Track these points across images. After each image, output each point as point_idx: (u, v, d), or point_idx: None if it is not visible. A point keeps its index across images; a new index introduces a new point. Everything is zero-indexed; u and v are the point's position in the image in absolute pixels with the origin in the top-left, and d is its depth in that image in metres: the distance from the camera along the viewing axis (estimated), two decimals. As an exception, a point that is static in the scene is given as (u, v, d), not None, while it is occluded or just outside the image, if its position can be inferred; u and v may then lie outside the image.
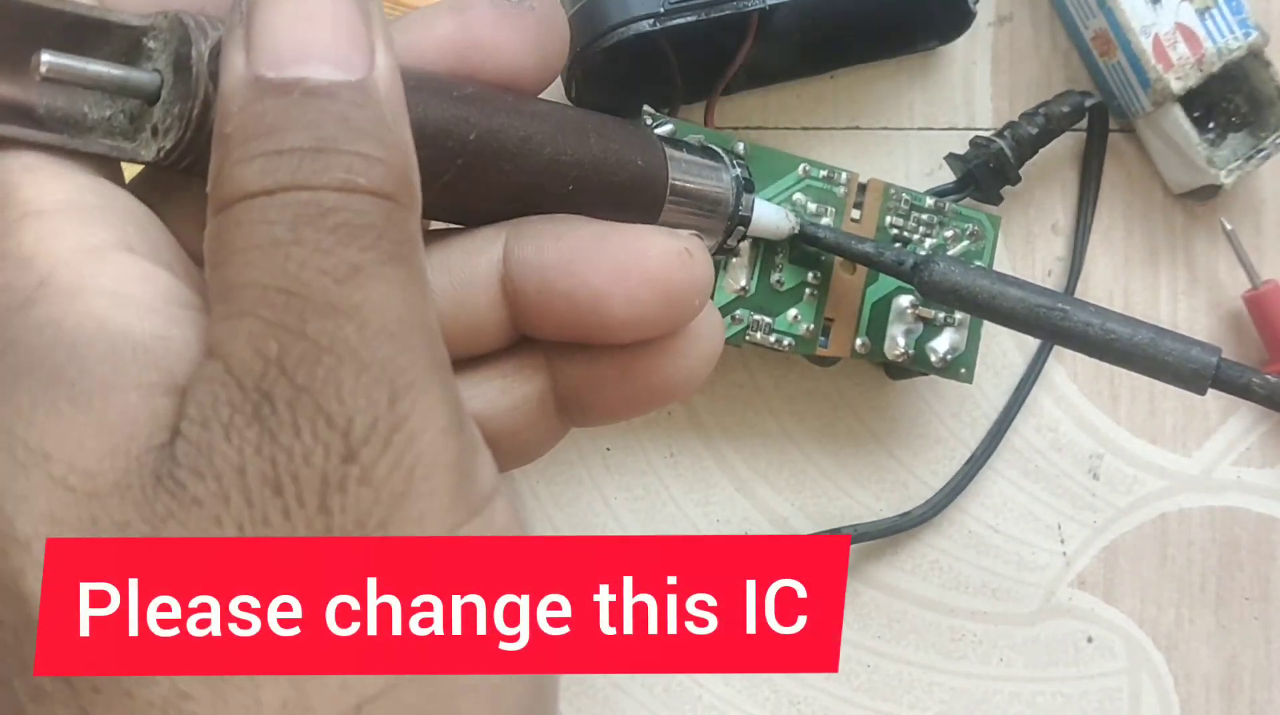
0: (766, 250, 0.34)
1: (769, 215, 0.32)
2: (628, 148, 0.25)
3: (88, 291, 0.17)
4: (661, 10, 0.32)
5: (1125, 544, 0.40)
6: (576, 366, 0.22)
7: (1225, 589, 0.40)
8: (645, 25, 0.32)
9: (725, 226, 0.29)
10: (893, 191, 0.36)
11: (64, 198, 0.18)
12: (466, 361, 0.22)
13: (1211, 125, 0.39)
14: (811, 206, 0.35)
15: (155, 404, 0.16)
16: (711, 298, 0.26)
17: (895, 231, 0.36)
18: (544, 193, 0.23)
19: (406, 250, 0.17)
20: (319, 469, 0.16)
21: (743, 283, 0.34)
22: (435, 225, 0.24)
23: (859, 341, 0.35)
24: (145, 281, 0.18)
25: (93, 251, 0.17)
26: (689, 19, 0.33)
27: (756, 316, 0.34)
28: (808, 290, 0.35)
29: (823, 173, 0.35)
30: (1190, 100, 0.38)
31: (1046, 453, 0.40)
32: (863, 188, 0.36)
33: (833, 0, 0.34)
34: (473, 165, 0.21)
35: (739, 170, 0.29)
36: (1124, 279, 0.41)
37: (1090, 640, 0.40)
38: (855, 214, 0.36)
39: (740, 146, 0.34)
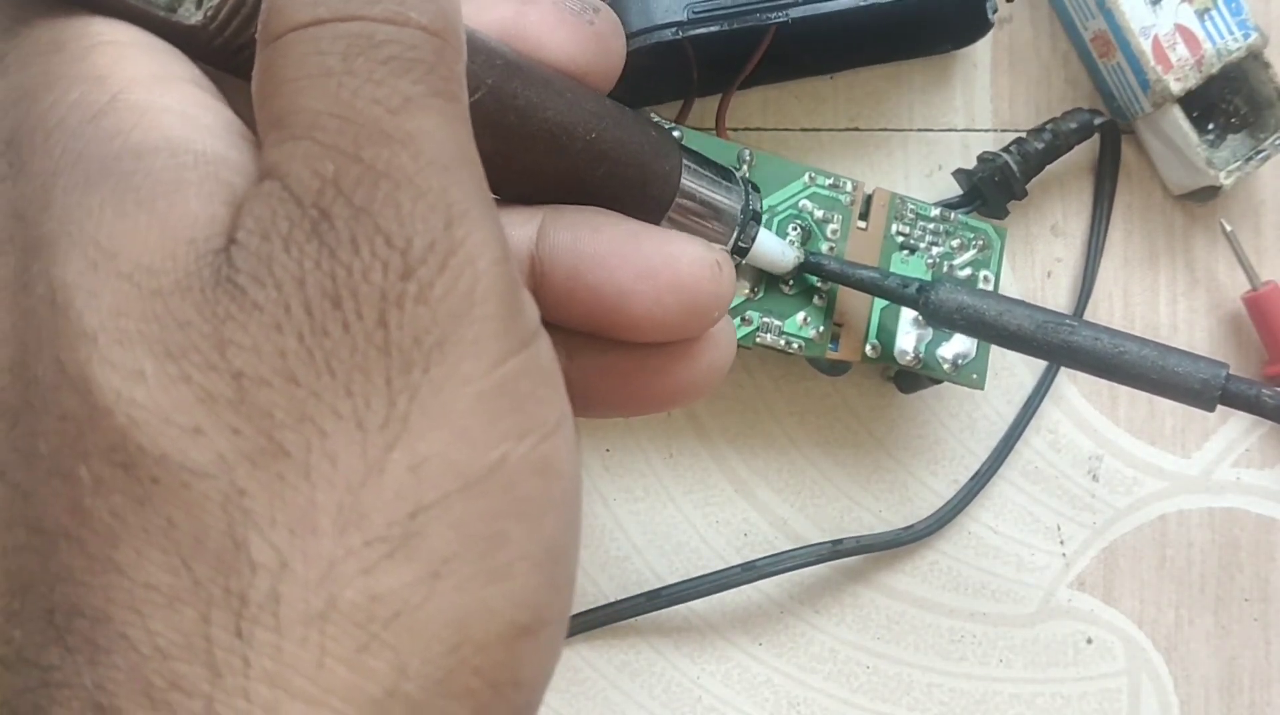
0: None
1: (771, 246, 0.32)
2: (646, 141, 0.25)
3: (155, 108, 0.17)
4: (684, 19, 0.32)
5: (1125, 545, 0.40)
6: (591, 355, 0.23)
7: (1224, 590, 0.40)
8: (667, 34, 0.32)
9: (725, 246, 0.29)
10: (899, 201, 0.36)
11: (135, 36, 0.18)
12: None
13: (1211, 126, 0.39)
14: (817, 213, 0.35)
15: (215, 210, 0.17)
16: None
17: (902, 239, 0.36)
18: (558, 157, 0.23)
19: (455, 88, 0.18)
20: (377, 285, 0.16)
21: (749, 285, 0.34)
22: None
23: (869, 346, 0.35)
24: (210, 110, 0.18)
25: (162, 79, 0.18)
26: (710, 29, 0.33)
27: (766, 318, 0.34)
28: (816, 296, 0.35)
29: (828, 181, 0.35)
30: (1189, 101, 0.38)
31: (1046, 454, 0.40)
32: (869, 198, 0.36)
33: (852, 11, 0.34)
34: (498, 93, 0.21)
35: (752, 198, 0.29)
36: (1123, 280, 0.41)
37: (1090, 641, 0.40)
38: (861, 224, 0.36)
39: (747, 153, 0.34)
